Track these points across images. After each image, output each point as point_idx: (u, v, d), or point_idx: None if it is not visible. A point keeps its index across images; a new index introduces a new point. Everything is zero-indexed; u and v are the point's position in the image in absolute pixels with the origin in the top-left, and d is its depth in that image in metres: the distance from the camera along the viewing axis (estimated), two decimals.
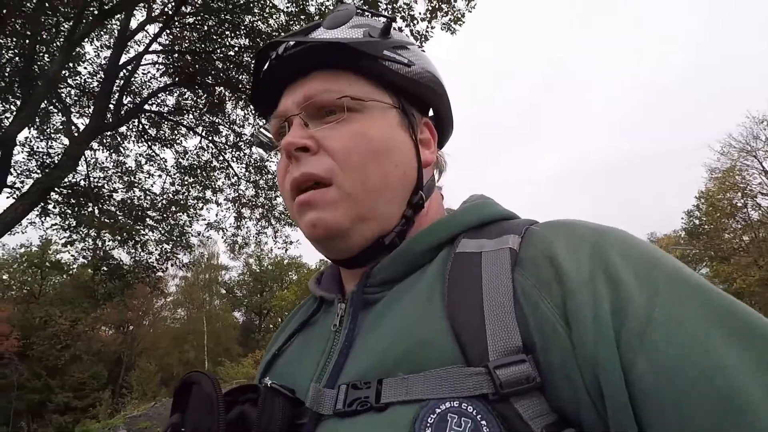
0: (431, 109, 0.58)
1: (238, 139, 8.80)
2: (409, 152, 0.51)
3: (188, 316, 27.72)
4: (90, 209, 7.12)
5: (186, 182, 8.98)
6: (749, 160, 20.08)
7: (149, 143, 8.56)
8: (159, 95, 7.90)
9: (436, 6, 6.30)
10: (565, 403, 0.34)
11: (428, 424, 0.34)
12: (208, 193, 9.19)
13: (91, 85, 7.66)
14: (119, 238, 7.22)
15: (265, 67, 0.51)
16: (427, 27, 6.38)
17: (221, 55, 7.70)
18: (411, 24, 6.50)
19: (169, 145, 8.74)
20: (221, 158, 9.10)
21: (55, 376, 21.25)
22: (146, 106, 7.79)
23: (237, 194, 9.32)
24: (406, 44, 0.52)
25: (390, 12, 6.46)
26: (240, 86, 7.61)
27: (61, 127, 7.14)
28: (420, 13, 6.41)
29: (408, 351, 0.38)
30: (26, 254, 21.60)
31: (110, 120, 7.02)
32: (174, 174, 8.86)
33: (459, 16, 6.32)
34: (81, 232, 7.35)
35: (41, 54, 6.55)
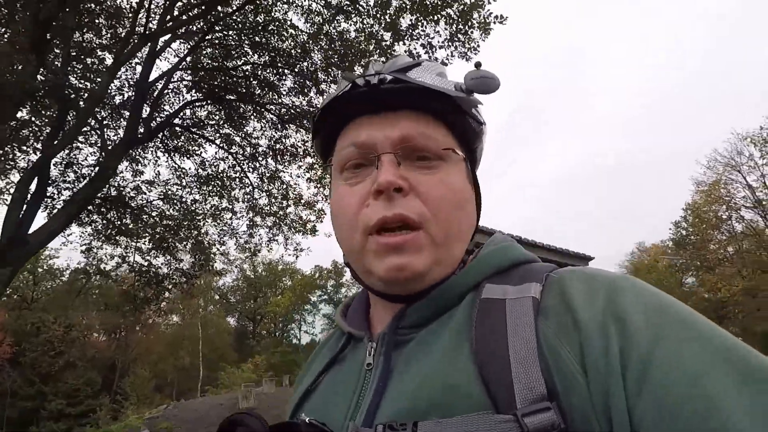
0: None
1: (254, 150, 9.26)
2: (473, 204, 0.55)
3: (182, 321, 27.75)
4: (126, 219, 7.53)
5: (203, 192, 9.40)
6: (734, 174, 21.20)
7: (170, 154, 8.98)
8: (185, 109, 8.34)
9: (454, 35, 6.87)
10: None
11: None
12: (224, 202, 9.62)
13: (119, 100, 8.07)
14: (155, 246, 7.63)
15: (349, 89, 0.51)
16: (447, 56, 6.94)
17: (241, 72, 8.18)
18: (429, 51, 7.07)
19: (188, 156, 9.17)
20: (237, 168, 9.55)
21: (48, 383, 21.16)
22: (171, 119, 8.21)
23: (251, 203, 9.76)
24: (481, 102, 0.54)
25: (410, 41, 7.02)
26: (257, 99, 8.10)
27: (95, 141, 7.54)
28: (439, 42, 6.97)
29: (439, 396, 0.40)
30: None
31: (142, 134, 7.44)
32: (193, 184, 9.27)
33: (475, 46, 6.90)
34: (120, 241, 7.74)
35: (77, 73, 6.97)
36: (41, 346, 21.42)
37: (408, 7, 6.84)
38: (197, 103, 8.44)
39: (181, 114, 8.47)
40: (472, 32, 6.79)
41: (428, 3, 6.68)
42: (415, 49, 7.17)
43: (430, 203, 0.48)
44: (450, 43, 6.95)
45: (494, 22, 6.64)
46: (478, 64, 0.53)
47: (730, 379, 0.33)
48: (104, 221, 7.72)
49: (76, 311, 22.80)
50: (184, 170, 9.06)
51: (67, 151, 7.43)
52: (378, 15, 7.19)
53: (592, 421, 0.35)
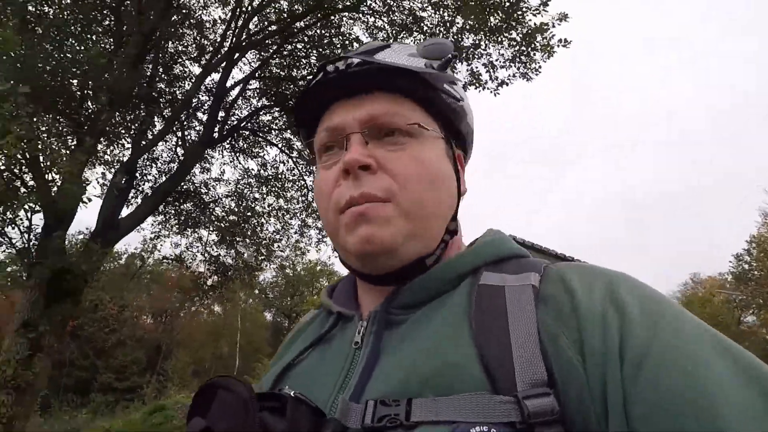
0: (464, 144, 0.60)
1: (312, 155, 9.90)
2: (453, 181, 0.54)
3: (223, 312, 29.17)
4: (196, 212, 8.36)
5: (262, 192, 10.14)
6: None
7: (236, 154, 9.78)
8: (255, 115, 9.10)
9: (516, 56, 7.17)
10: None
11: None
12: (281, 202, 10.33)
13: (195, 102, 8.94)
14: (221, 239, 8.43)
15: (321, 78, 0.52)
16: (509, 76, 7.25)
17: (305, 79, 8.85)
18: (491, 71, 7.40)
19: (252, 157, 9.94)
20: (295, 171, 10.23)
21: (101, 357, 22.96)
22: (242, 123, 9.00)
23: (305, 204, 10.41)
24: (456, 80, 0.55)
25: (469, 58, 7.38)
26: None
27: (175, 141, 8.42)
28: (500, 62, 7.29)
29: (436, 373, 0.40)
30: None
31: (217, 135, 8.23)
32: (254, 184, 10.03)
33: (536, 67, 7.16)
34: (186, 233, 8.61)
35: (164, 80, 7.85)
36: (97, 322, 23.21)
37: (471, 27, 7.21)
38: (264, 110, 9.19)
39: (249, 119, 9.25)
40: (534, 54, 7.06)
41: (492, 24, 7.03)
42: (476, 68, 7.54)
43: (398, 178, 0.49)
44: (512, 64, 7.26)
45: (558, 45, 6.88)
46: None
47: (727, 372, 0.34)
48: (177, 213, 8.59)
49: (130, 293, 24.56)
50: (248, 170, 9.84)
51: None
52: (440, 33, 7.61)
53: (589, 409, 0.36)
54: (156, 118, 7.55)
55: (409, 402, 0.39)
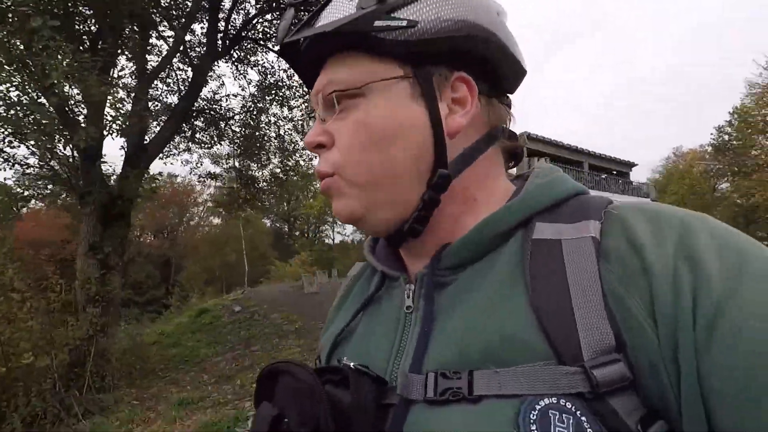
0: (471, 58, 0.48)
1: None
2: (421, 129, 0.46)
3: (225, 223, 30.28)
4: (218, 128, 8.69)
5: (266, 100, 10.31)
6: None
7: (236, 65, 9.76)
8: (255, 19, 8.93)
9: None
10: (654, 398, 0.34)
11: (531, 420, 0.34)
12: (285, 111, 10.57)
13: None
14: (243, 152, 8.90)
15: (296, 60, 0.51)
16: None
17: None
18: None
19: (252, 66, 9.93)
20: (295, 76, 10.30)
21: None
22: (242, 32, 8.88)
23: (309, 109, 10.67)
24: (398, 5, 0.45)
25: None
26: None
27: (186, 60, 8.39)
28: None
29: (494, 344, 0.39)
30: None
31: (220, 48, 8.22)
32: (257, 94, 10.16)
33: None
34: (204, 147, 9.03)
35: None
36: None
37: None
38: (263, 15, 8.99)
39: (247, 27, 9.09)
40: None
41: None
42: None
43: (342, 151, 0.47)
44: None
45: None
46: None
47: None
48: (199, 129, 8.91)
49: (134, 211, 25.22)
50: (250, 80, 9.89)
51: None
52: None
53: (662, 375, 0.34)
54: (158, 39, 7.50)
55: (470, 374, 0.38)
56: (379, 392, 0.43)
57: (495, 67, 0.51)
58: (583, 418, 0.34)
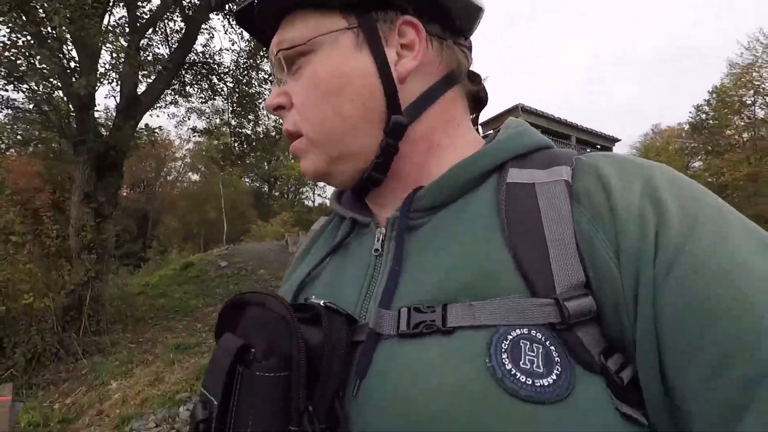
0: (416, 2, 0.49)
1: None
2: (369, 77, 0.47)
3: (204, 180, 30.01)
4: (210, 83, 8.70)
5: (257, 56, 10.27)
6: None
7: (228, 17, 9.65)
8: None
9: None
10: (614, 333, 0.37)
11: (503, 349, 0.36)
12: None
13: None
14: (238, 107, 8.97)
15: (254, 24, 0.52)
16: None
17: None
18: None
19: None
20: None
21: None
22: None
23: None
24: None
25: None
26: None
27: (180, 11, 8.26)
28: None
29: (471, 280, 0.40)
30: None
31: (214, 2, 8.14)
32: (249, 48, 10.10)
33: None
34: (199, 102, 9.02)
35: None
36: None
37: None
38: None
39: None
40: None
41: None
42: None
43: (299, 109, 0.49)
44: None
45: None
46: None
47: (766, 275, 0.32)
48: (189, 83, 8.91)
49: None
50: (241, 34, 9.81)
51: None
52: None
53: (622, 309, 0.36)
54: None
55: (444, 307, 0.39)
56: (351, 331, 0.42)
57: (445, 7, 0.50)
58: (552, 348, 0.36)
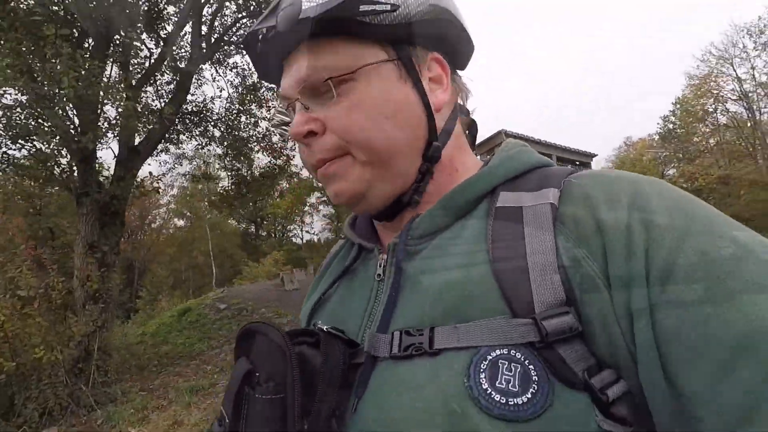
0: (441, 41, 0.55)
1: None
2: (414, 106, 0.51)
3: (190, 224, 29.94)
4: (205, 130, 9.06)
5: (246, 100, 10.71)
6: (725, 67, 22.82)
7: (215, 66, 10.12)
8: (234, 26, 9.35)
9: None
10: (603, 349, 0.38)
11: (482, 369, 0.38)
12: (263, 111, 11.01)
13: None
14: (234, 153, 9.30)
15: (258, 50, 0.52)
16: None
17: None
18: None
19: (231, 68, 10.32)
20: None
21: None
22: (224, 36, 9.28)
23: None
24: None
25: None
26: None
27: (172, 64, 8.70)
28: None
29: (457, 303, 0.42)
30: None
31: (204, 52, 8.60)
32: (235, 94, 10.55)
33: None
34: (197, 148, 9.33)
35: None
36: (59, 249, 23.42)
37: None
38: (250, 18, 9.41)
39: (228, 32, 9.49)
40: None
41: None
42: None
43: (342, 134, 0.49)
44: None
45: None
46: None
47: (761, 280, 0.33)
48: (183, 131, 9.25)
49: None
50: (229, 81, 10.27)
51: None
52: None
53: (612, 327, 0.37)
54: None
55: (431, 330, 0.42)
56: (350, 353, 0.46)
57: (456, 47, 0.56)
58: (531, 366, 0.37)
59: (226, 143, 9.50)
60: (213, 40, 8.99)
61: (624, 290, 0.37)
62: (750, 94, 22.61)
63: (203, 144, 9.61)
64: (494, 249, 0.44)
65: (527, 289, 0.40)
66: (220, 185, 10.80)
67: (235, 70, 10.36)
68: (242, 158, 10.04)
